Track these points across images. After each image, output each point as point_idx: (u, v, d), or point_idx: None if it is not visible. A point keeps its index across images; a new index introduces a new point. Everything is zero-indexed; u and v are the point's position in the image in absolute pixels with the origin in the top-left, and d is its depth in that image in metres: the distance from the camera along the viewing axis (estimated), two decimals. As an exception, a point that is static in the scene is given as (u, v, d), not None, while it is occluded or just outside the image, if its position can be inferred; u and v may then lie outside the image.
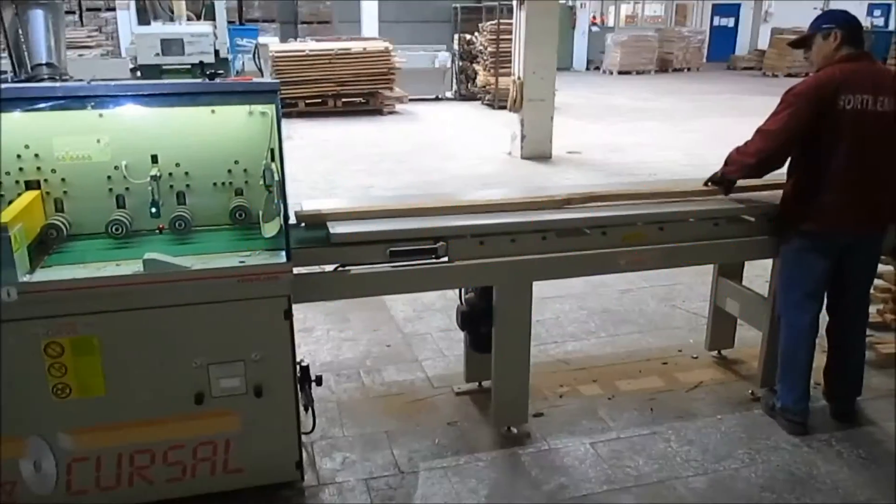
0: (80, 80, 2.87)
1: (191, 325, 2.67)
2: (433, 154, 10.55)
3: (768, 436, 3.45)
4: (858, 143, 3.19)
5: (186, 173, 2.98)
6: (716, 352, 4.23)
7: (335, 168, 9.57)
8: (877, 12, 27.60)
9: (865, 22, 25.28)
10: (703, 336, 4.28)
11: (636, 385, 3.94)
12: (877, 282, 4.22)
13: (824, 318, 3.53)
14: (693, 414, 3.65)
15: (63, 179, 2.87)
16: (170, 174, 2.95)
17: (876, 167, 3.24)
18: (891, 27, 23.47)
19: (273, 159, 2.85)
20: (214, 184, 3.03)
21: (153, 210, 2.88)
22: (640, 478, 3.16)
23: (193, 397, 2.70)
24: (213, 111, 2.92)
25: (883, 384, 3.90)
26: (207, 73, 2.96)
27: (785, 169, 3.41)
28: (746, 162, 3.38)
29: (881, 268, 4.16)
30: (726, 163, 3.51)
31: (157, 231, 2.97)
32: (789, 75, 22.04)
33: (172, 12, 11.66)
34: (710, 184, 3.59)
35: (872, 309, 4.22)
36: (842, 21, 3.31)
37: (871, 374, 3.89)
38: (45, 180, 2.85)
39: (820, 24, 3.35)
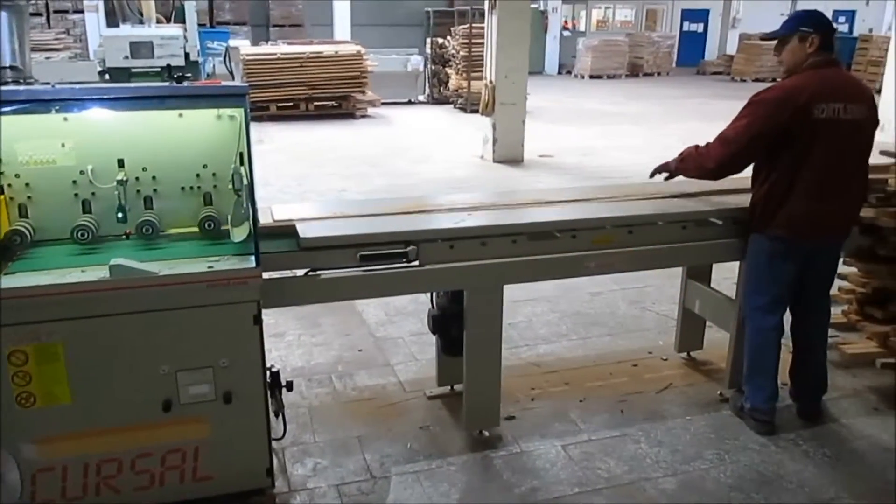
0: (46, 83, 2.83)
1: (158, 331, 2.63)
2: (405, 158, 10.54)
3: (737, 436, 3.50)
4: (832, 151, 3.21)
5: (154, 178, 2.94)
6: (685, 353, 4.27)
7: (307, 172, 9.52)
8: (841, 18, 28.15)
9: (831, 28, 25.74)
10: (672, 338, 4.32)
11: (607, 387, 3.96)
12: (842, 283, 4.31)
13: (787, 318, 3.58)
14: (663, 415, 3.68)
15: (27, 184, 2.82)
16: (137, 179, 2.91)
17: (847, 175, 3.30)
18: (855, 33, 23.93)
19: (242, 163, 2.83)
20: (182, 188, 2.99)
21: (120, 215, 2.84)
22: (611, 479, 3.18)
23: (161, 404, 2.66)
24: (180, 115, 2.89)
25: (848, 384, 3.97)
26: (175, 76, 2.93)
27: (748, 173, 3.45)
28: (706, 166, 3.42)
29: (846, 269, 4.25)
30: (682, 158, 3.54)
31: (124, 236, 2.94)
32: (757, 80, 22.40)
33: (142, 15, 11.54)
34: (654, 175, 3.70)
35: (837, 310, 4.32)
36: (820, 25, 3.29)
37: (836, 374, 3.97)
38: (9, 185, 2.80)
39: (797, 25, 3.30)
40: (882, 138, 11.53)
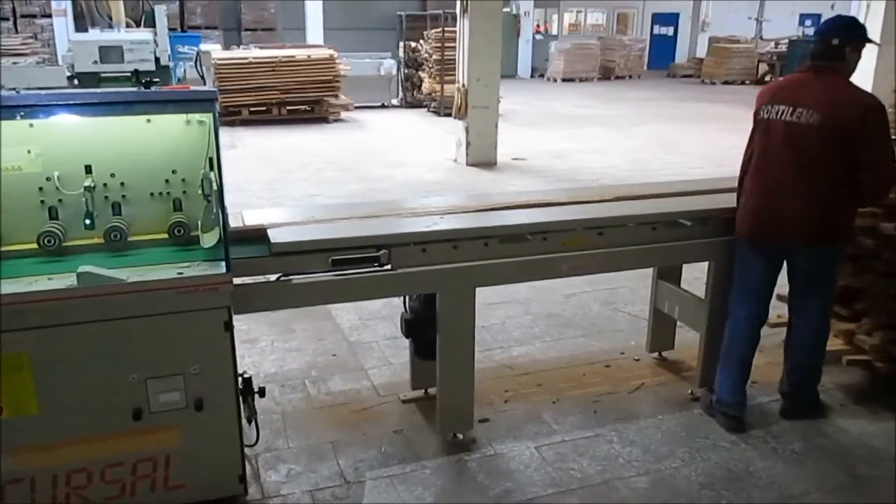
0: (11, 88, 2.79)
1: (127, 339, 2.61)
2: (379, 162, 10.53)
3: (707, 434, 3.54)
4: (771, 153, 3.34)
5: (122, 184, 2.91)
6: (657, 353, 4.32)
7: (280, 177, 9.47)
8: (808, 22, 28.65)
9: (796, 32, 26.18)
10: (644, 338, 4.37)
11: (580, 388, 3.99)
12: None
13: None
14: (635, 415, 3.72)
15: (-8, 191, 2.78)
16: (104, 185, 2.88)
17: (795, 179, 3.28)
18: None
19: (212, 168, 2.81)
20: (151, 194, 2.96)
21: (87, 222, 2.81)
22: (584, 479, 3.21)
23: (131, 413, 2.65)
24: (148, 120, 2.87)
25: (816, 381, 4.03)
26: (143, 81, 2.91)
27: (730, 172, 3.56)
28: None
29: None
30: None
31: (93, 243, 2.90)
32: (726, 82, 22.72)
33: (111, 19, 11.37)
34: None
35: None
36: (815, 34, 3.45)
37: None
38: (-27, 193, 2.76)
39: None
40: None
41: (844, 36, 3.30)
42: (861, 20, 12.20)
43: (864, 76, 12.39)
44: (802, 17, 28.49)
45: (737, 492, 3.13)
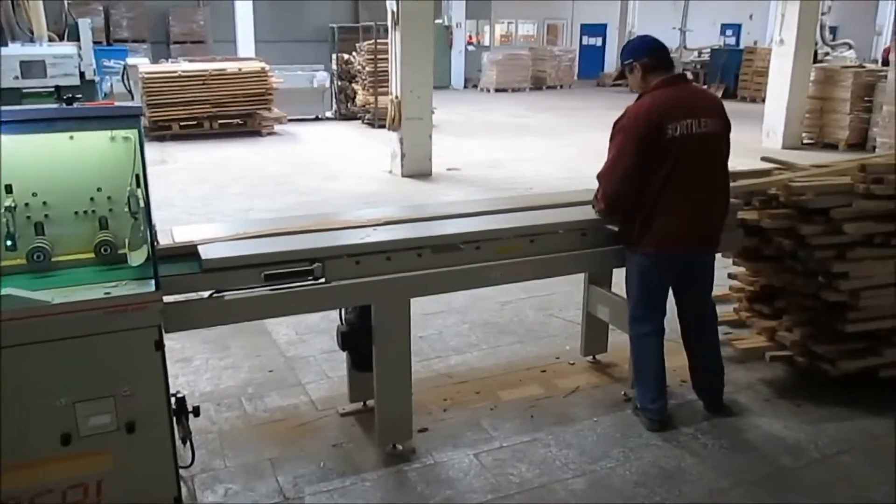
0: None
1: (53, 362, 2.54)
2: (314, 175, 10.46)
3: (640, 433, 3.64)
4: (687, 167, 3.35)
5: (45, 203, 2.83)
6: (591, 357, 4.41)
7: (213, 192, 9.32)
8: (728, 31, 29.74)
9: (718, 41, 27.12)
10: (578, 342, 4.45)
11: (517, 394, 4.05)
12: (732, 282, 4.55)
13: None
14: (571, 418, 3.79)
15: None
16: (26, 204, 2.80)
17: (711, 188, 3.45)
18: (741, 45, 25.30)
19: (138, 185, 2.77)
20: (76, 213, 2.89)
21: (9, 243, 2.73)
22: (523, 484, 3.25)
23: (59, 438, 2.57)
24: (71, 137, 2.80)
25: (742, 378, 4.18)
26: (64, 97, 2.84)
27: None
28: (600, 208, 3.57)
29: (735, 269, 4.50)
30: (593, 203, 3.66)
31: (15, 265, 2.81)
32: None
33: (32, 33, 10.97)
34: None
35: (729, 307, 4.56)
36: (642, 51, 3.50)
37: (732, 369, 4.16)
38: None
39: (623, 59, 3.56)
40: (768, 144, 12.24)
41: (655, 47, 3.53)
42: (777, 26, 12.71)
43: (782, 80, 12.89)
44: (723, 27, 29.59)
45: (669, 488, 3.23)
